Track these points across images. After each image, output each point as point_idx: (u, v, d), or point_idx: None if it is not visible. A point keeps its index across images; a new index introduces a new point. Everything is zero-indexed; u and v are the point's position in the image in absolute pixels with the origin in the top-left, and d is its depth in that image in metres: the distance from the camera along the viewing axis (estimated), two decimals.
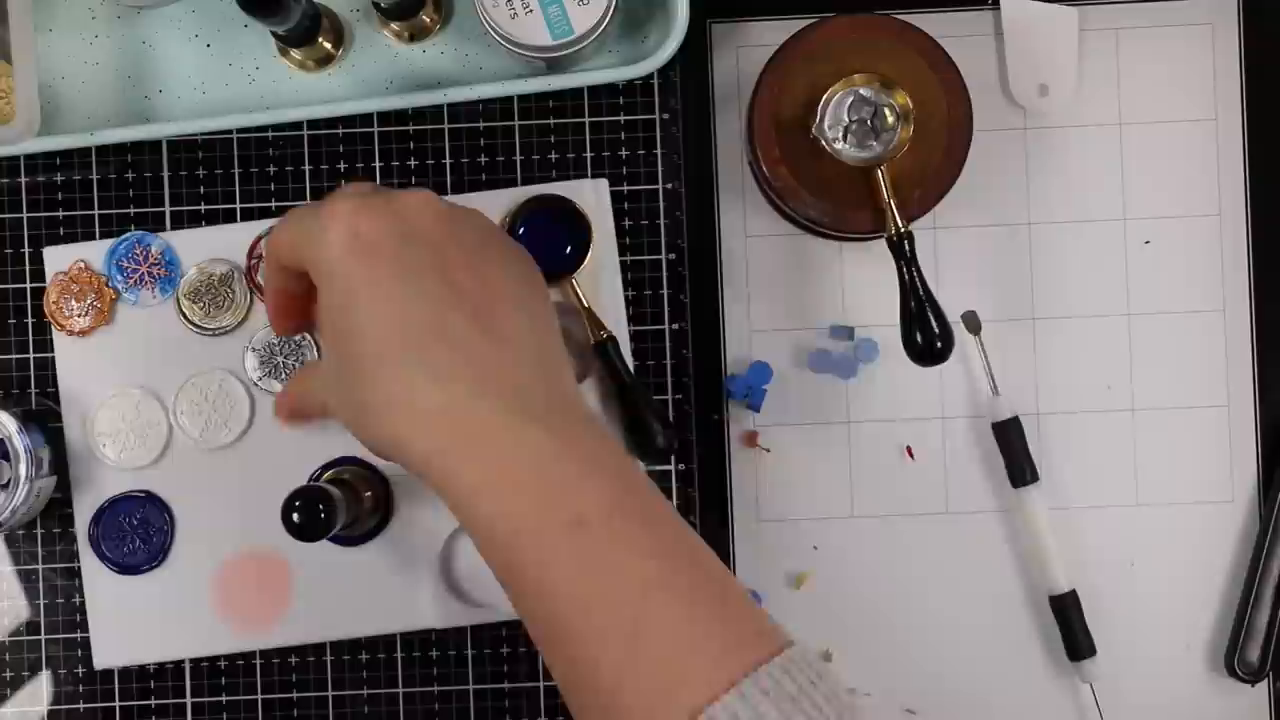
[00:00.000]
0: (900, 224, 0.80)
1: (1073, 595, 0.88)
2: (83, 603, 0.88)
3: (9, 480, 0.84)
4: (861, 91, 0.80)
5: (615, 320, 0.88)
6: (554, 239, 0.87)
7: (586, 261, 0.87)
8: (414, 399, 0.64)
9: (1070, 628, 0.88)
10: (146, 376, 0.88)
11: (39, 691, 0.89)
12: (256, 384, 0.88)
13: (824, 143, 0.80)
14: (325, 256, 0.66)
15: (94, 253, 0.88)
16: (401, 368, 0.65)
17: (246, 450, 0.88)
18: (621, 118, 0.89)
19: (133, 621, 0.88)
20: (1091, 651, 0.88)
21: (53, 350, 0.88)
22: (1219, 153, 0.89)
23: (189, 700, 0.88)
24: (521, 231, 0.87)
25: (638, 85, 0.89)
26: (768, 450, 0.89)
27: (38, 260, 0.89)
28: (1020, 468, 0.88)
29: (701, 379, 0.89)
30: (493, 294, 0.67)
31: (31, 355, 0.89)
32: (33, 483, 0.85)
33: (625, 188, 0.89)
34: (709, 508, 0.89)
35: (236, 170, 0.89)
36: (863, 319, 0.89)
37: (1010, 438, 0.88)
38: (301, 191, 0.89)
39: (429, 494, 0.87)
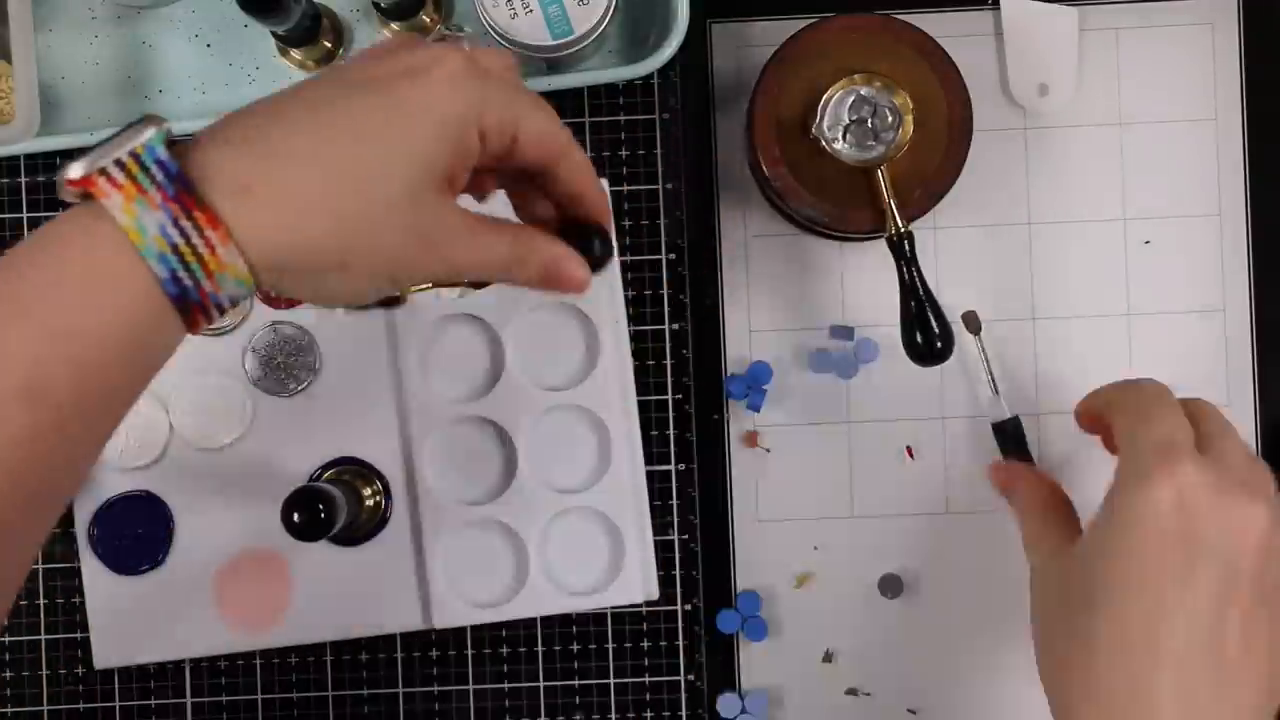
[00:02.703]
0: (900, 224, 0.80)
1: None
2: (83, 603, 0.88)
3: None
4: (861, 91, 0.80)
5: (615, 320, 0.88)
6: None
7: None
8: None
9: None
10: None
11: (39, 692, 0.88)
12: (256, 384, 0.88)
13: (824, 143, 0.80)
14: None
15: None
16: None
17: (246, 450, 0.88)
18: (621, 118, 0.89)
19: (133, 621, 0.88)
20: None
21: None
22: (1219, 153, 0.89)
23: (189, 700, 0.88)
24: None
25: (638, 85, 0.89)
26: (768, 450, 0.89)
27: None
28: None
29: (701, 379, 0.89)
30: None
31: None
32: None
33: (625, 188, 0.89)
34: (709, 508, 0.89)
35: None
36: (863, 319, 0.89)
37: (1010, 438, 0.88)
38: None
39: (426, 494, 0.87)
